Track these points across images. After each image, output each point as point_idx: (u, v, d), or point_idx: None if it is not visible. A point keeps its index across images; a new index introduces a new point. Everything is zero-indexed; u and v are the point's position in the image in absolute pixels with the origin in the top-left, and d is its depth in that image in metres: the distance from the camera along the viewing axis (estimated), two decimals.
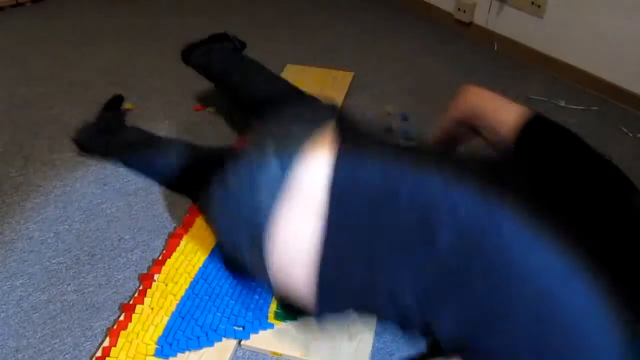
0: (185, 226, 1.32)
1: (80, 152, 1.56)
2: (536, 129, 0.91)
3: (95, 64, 2.00)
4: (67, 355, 1.06)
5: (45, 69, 1.96)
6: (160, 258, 1.24)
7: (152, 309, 1.12)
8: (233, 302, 1.12)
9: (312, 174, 0.84)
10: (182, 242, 1.27)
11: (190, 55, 1.64)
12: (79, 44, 2.13)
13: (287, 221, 0.84)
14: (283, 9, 2.44)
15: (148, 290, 1.16)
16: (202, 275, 1.18)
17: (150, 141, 1.48)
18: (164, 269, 1.20)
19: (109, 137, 1.55)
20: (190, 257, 1.23)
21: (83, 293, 1.18)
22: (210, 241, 1.26)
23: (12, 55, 2.05)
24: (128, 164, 1.49)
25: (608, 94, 1.84)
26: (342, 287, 0.85)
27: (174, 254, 1.24)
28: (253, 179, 0.86)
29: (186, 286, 1.16)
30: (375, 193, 0.81)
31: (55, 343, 1.08)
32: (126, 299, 1.16)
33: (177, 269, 1.20)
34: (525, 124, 0.91)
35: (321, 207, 0.82)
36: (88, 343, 1.08)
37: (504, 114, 0.95)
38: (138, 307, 1.13)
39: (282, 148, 0.87)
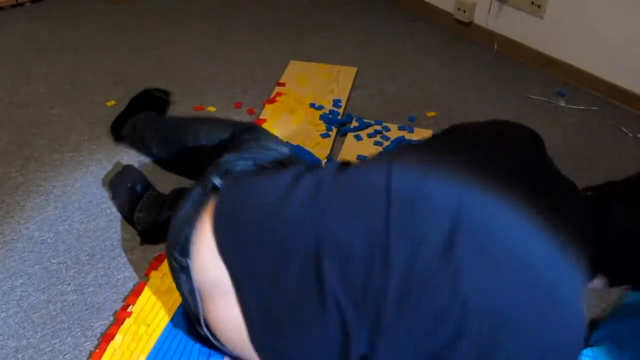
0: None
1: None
2: None
3: (95, 64, 2.00)
4: (67, 355, 1.06)
5: (45, 69, 1.96)
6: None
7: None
8: None
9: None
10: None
11: (119, 131, 1.58)
12: (79, 44, 2.12)
13: (216, 313, 0.91)
14: (284, 9, 2.44)
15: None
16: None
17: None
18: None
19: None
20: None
21: (83, 293, 1.18)
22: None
23: (12, 55, 2.05)
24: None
25: (608, 94, 1.83)
26: (282, 350, 0.88)
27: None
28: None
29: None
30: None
31: (55, 343, 1.08)
32: (126, 299, 1.17)
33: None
34: None
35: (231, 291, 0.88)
36: (88, 343, 1.08)
37: None
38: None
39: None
